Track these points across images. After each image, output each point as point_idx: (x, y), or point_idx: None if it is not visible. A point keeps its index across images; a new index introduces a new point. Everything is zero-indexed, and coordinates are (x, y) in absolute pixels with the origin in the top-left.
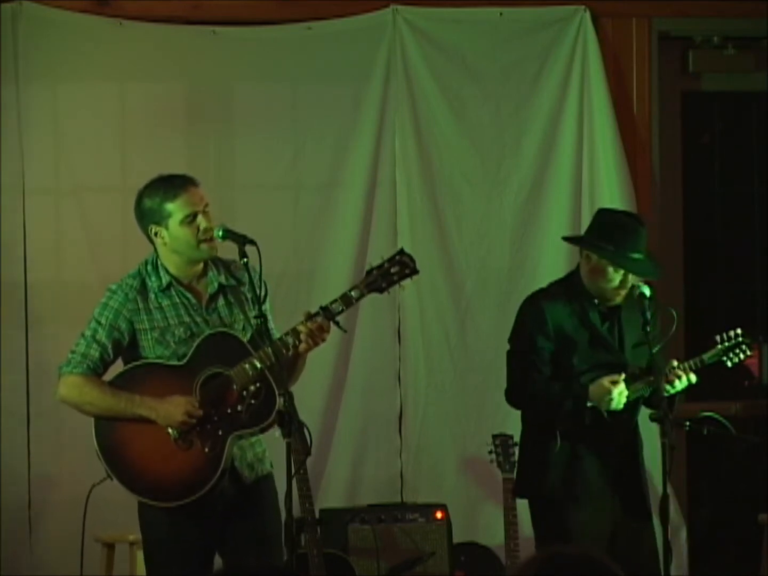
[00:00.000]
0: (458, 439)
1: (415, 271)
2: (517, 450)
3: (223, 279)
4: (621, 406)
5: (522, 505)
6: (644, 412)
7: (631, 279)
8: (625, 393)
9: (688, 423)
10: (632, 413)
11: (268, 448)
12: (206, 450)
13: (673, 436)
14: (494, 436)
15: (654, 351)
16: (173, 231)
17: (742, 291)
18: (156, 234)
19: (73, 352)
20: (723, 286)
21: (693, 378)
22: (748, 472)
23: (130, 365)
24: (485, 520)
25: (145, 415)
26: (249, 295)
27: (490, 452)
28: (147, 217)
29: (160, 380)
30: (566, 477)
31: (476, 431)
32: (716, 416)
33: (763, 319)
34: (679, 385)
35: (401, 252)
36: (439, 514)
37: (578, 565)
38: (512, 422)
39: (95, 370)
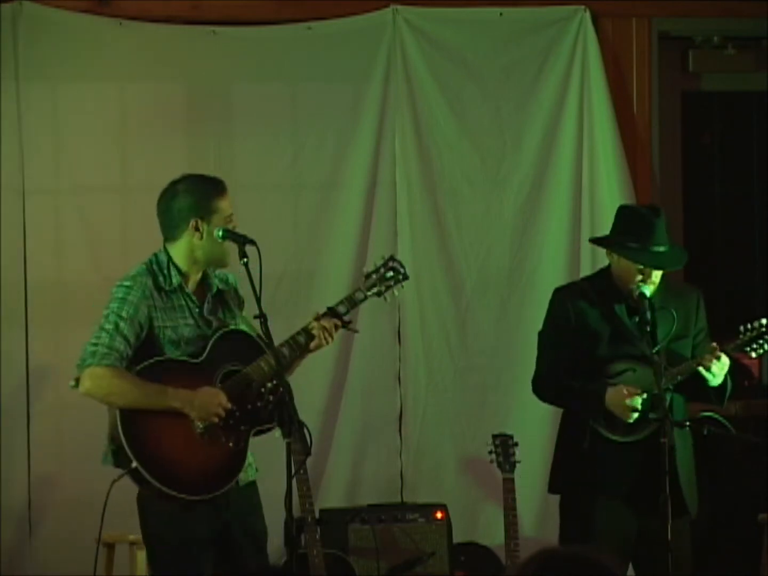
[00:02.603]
0: (458, 439)
1: (405, 277)
2: (517, 450)
3: (218, 282)
4: (631, 419)
5: (522, 504)
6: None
7: (657, 272)
8: (636, 414)
9: (688, 423)
10: (672, 410)
11: (268, 448)
12: (231, 445)
13: (673, 436)
14: (494, 436)
15: (654, 351)
16: (214, 228)
17: (742, 290)
18: (196, 228)
19: (95, 344)
20: (723, 285)
21: (726, 359)
22: (748, 472)
23: (150, 360)
24: (485, 520)
25: (177, 407)
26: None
27: (490, 452)
28: (191, 209)
29: (182, 376)
30: (595, 473)
31: (476, 431)
32: (716, 416)
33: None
34: (717, 368)
35: (392, 258)
36: (439, 514)
37: (576, 564)
38: (512, 422)
39: (121, 363)
